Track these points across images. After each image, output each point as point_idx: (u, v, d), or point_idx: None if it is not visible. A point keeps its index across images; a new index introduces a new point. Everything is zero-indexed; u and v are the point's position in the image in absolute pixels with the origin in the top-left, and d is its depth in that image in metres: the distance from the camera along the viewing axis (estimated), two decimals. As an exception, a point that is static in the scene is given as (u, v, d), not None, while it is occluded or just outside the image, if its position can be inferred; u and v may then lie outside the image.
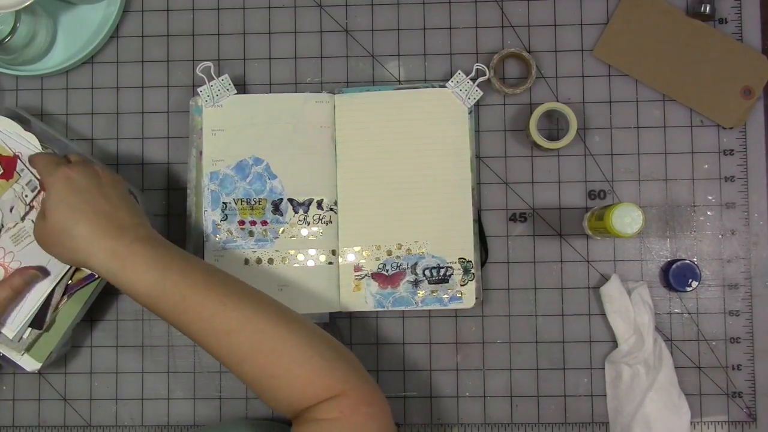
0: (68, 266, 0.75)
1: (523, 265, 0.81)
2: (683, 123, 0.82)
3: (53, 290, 0.74)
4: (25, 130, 0.77)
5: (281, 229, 0.80)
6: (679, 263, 0.79)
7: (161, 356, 0.82)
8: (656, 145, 0.82)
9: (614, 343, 0.80)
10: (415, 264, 0.79)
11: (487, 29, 0.83)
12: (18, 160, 0.74)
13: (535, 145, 0.80)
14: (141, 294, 0.63)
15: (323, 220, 0.80)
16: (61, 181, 0.66)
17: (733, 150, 0.81)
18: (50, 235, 0.65)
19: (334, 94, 0.81)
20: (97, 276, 0.76)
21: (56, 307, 0.75)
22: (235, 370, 0.63)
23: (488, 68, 0.81)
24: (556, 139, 0.79)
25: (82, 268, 0.75)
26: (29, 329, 0.74)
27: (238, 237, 0.79)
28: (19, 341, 0.74)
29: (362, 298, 0.79)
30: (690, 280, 0.78)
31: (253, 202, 0.80)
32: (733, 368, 0.80)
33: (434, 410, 0.81)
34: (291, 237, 0.79)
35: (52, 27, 0.83)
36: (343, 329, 0.82)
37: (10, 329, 0.73)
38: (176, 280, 0.62)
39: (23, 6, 0.72)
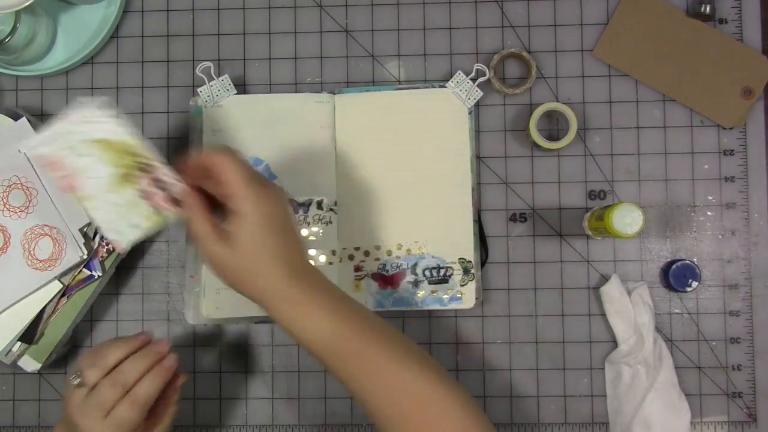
0: (62, 286, 0.76)
1: (523, 266, 0.81)
2: (683, 123, 0.82)
3: (46, 306, 0.75)
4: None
5: (281, 229, 0.79)
6: (679, 263, 0.79)
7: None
8: (656, 145, 0.82)
9: (614, 344, 0.80)
10: (415, 264, 0.79)
11: (487, 29, 0.83)
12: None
13: (535, 145, 0.80)
14: (317, 343, 0.59)
15: (323, 220, 0.80)
16: (265, 213, 0.58)
17: (733, 150, 0.81)
18: (238, 273, 0.59)
19: (334, 94, 0.81)
20: (96, 276, 0.76)
21: (48, 320, 0.75)
22: (388, 426, 0.60)
23: (488, 68, 0.81)
24: (556, 139, 0.79)
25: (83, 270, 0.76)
26: (18, 343, 0.75)
27: (238, 237, 0.79)
28: (6, 354, 0.74)
29: (362, 298, 0.79)
30: (690, 281, 0.78)
31: (253, 202, 0.80)
32: (733, 368, 0.80)
33: (434, 410, 0.81)
34: (291, 237, 0.79)
35: (52, 27, 0.83)
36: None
37: None
38: (352, 329, 0.60)
39: (23, 6, 0.72)
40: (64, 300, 0.76)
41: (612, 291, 0.79)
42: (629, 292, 0.79)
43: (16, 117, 0.77)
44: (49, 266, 0.74)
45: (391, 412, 0.59)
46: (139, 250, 0.81)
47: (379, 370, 0.59)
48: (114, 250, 0.77)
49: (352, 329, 0.60)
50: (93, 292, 0.77)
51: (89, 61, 0.84)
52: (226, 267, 0.59)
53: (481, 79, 0.80)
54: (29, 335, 0.75)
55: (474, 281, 0.79)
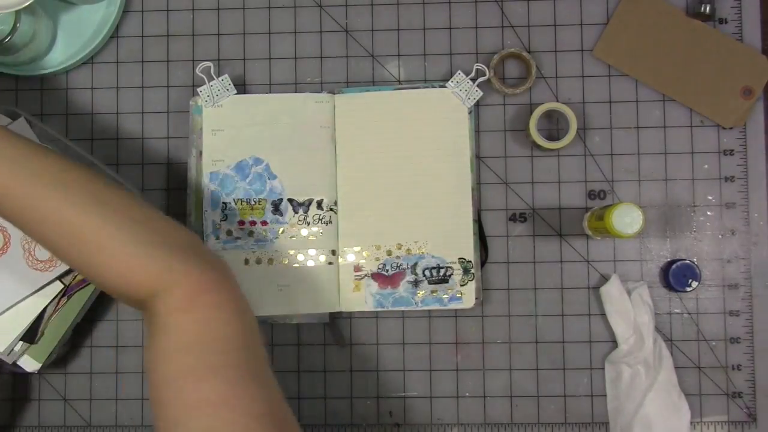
0: (63, 286, 0.75)
1: (523, 265, 0.81)
2: (683, 123, 0.82)
3: (47, 306, 0.75)
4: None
5: (281, 229, 0.80)
6: (679, 263, 0.79)
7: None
8: (656, 145, 0.82)
9: (614, 343, 0.80)
10: (415, 264, 0.79)
11: (487, 29, 0.83)
12: None
13: (535, 145, 0.80)
14: None
15: (323, 220, 0.80)
16: None
17: (733, 150, 0.81)
18: None
19: (334, 94, 0.81)
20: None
21: (48, 320, 0.75)
22: (61, 260, 0.59)
23: (488, 68, 0.81)
24: (556, 139, 0.79)
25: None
26: (20, 342, 0.75)
27: (238, 237, 0.79)
28: (8, 354, 0.75)
29: (362, 298, 0.79)
30: (690, 280, 0.78)
31: (253, 203, 0.80)
32: (733, 368, 0.80)
33: (434, 410, 0.81)
34: (291, 237, 0.79)
35: (52, 27, 0.83)
36: (343, 329, 0.82)
37: (1, 343, 0.73)
38: (23, 177, 0.57)
39: (23, 6, 0.72)
40: (64, 300, 0.76)
41: (612, 291, 0.79)
42: (629, 292, 0.79)
43: (15, 117, 0.77)
44: (50, 267, 0.74)
45: (51, 248, 0.58)
46: (139, 250, 0.81)
47: (26, 207, 0.57)
48: None
49: (24, 172, 0.57)
50: (93, 292, 0.77)
51: (89, 61, 0.84)
52: None
53: (481, 79, 0.80)
54: (31, 335, 0.75)
55: (474, 281, 0.79)
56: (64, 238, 0.57)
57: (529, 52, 0.82)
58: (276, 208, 0.80)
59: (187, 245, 0.58)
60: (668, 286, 0.80)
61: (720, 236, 0.81)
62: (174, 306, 0.54)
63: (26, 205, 0.57)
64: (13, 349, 0.75)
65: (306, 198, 0.80)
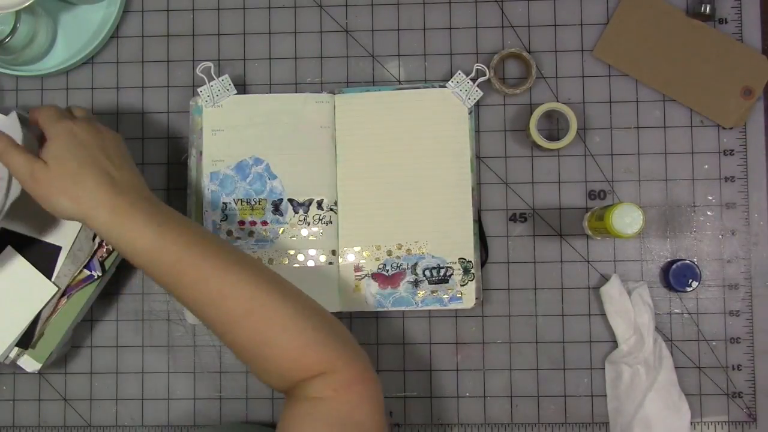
0: (57, 289, 0.75)
1: (523, 265, 0.81)
2: (683, 123, 0.82)
3: (41, 310, 0.75)
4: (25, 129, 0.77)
5: (281, 229, 0.80)
6: (679, 263, 0.79)
7: (161, 356, 0.82)
8: (656, 145, 0.82)
9: (614, 343, 0.80)
10: (415, 264, 0.79)
11: (487, 29, 0.83)
12: None
13: (535, 145, 0.80)
14: (138, 252, 0.62)
15: (323, 220, 0.79)
16: (66, 133, 0.64)
17: (733, 150, 0.81)
18: (54, 183, 0.62)
19: (334, 94, 0.81)
20: (96, 276, 0.76)
21: (45, 321, 0.75)
22: (227, 338, 0.62)
23: (488, 68, 0.81)
24: (556, 139, 0.79)
25: (82, 273, 0.76)
26: (16, 348, 0.75)
27: (238, 237, 0.79)
28: (5, 359, 0.75)
29: (362, 298, 0.79)
30: (690, 280, 0.78)
31: (253, 203, 0.80)
32: (733, 368, 0.80)
33: (434, 410, 0.81)
34: (291, 237, 0.79)
35: (52, 27, 0.83)
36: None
37: None
38: (174, 239, 0.62)
39: (23, 6, 0.72)
40: (63, 300, 0.76)
41: (612, 291, 0.79)
42: (629, 292, 0.79)
43: (6, 113, 0.77)
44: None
45: (220, 319, 0.61)
46: (139, 250, 0.81)
47: (205, 279, 0.61)
48: (113, 249, 0.77)
49: (174, 239, 0.62)
50: (93, 292, 0.77)
51: (89, 61, 0.84)
52: (42, 183, 0.63)
53: (481, 79, 0.80)
54: (26, 340, 0.75)
55: (474, 281, 0.79)
56: (244, 312, 0.61)
57: (529, 52, 0.82)
58: (276, 208, 0.80)
59: (347, 336, 0.63)
60: (668, 286, 0.80)
61: (720, 236, 0.81)
62: (332, 386, 0.59)
63: (209, 278, 0.61)
64: (8, 356, 0.75)
65: (306, 198, 0.80)
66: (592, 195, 0.82)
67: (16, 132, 0.68)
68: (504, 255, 0.82)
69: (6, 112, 0.76)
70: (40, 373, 0.80)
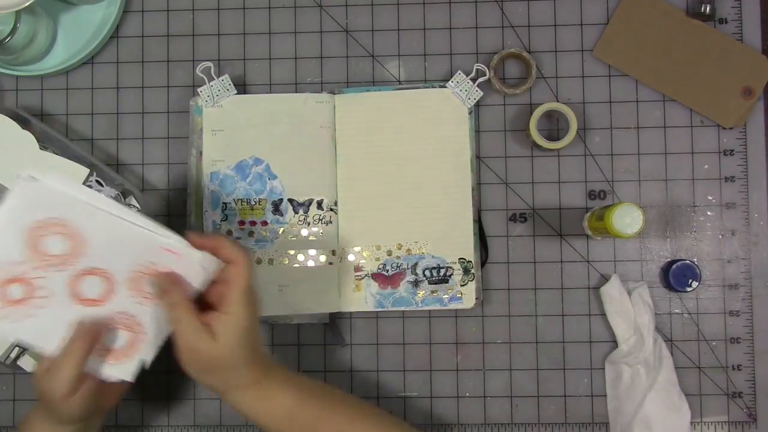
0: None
1: (523, 265, 0.81)
2: (683, 123, 0.82)
3: None
4: (25, 129, 0.77)
5: (281, 229, 0.80)
6: (679, 263, 0.79)
7: (161, 357, 0.82)
8: (656, 145, 0.82)
9: (614, 344, 0.80)
10: (415, 264, 0.79)
11: (487, 29, 0.83)
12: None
13: (535, 145, 0.80)
14: (275, 418, 0.63)
15: (323, 220, 0.79)
16: (250, 321, 0.61)
17: (733, 150, 0.81)
18: (211, 362, 0.61)
19: (334, 94, 0.81)
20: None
21: None
22: None
23: (488, 68, 0.81)
24: (556, 139, 0.79)
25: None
26: (16, 348, 0.75)
27: (238, 237, 0.79)
28: (5, 359, 0.75)
29: (362, 298, 0.79)
30: (690, 280, 0.78)
31: (253, 203, 0.80)
32: (733, 368, 0.80)
33: (434, 410, 0.81)
34: (291, 237, 0.79)
35: (52, 27, 0.83)
36: (343, 329, 0.82)
37: None
38: (310, 404, 0.64)
39: (23, 6, 0.72)
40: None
41: (612, 291, 0.79)
42: (629, 292, 0.79)
43: (16, 117, 0.77)
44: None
45: None
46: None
47: (342, 430, 0.65)
48: None
49: (310, 398, 0.65)
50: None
51: (89, 61, 0.84)
52: (201, 358, 0.61)
53: (481, 79, 0.80)
54: None
55: (474, 281, 0.79)
56: None
57: (529, 52, 0.82)
58: (276, 208, 0.80)
59: None
60: (668, 286, 0.80)
61: (720, 236, 0.81)
62: None
63: (318, 422, 0.64)
64: (9, 356, 0.75)
65: (306, 198, 0.80)
66: (592, 195, 0.82)
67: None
68: (504, 255, 0.82)
69: (14, 116, 0.76)
70: (40, 373, 0.80)
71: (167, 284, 0.61)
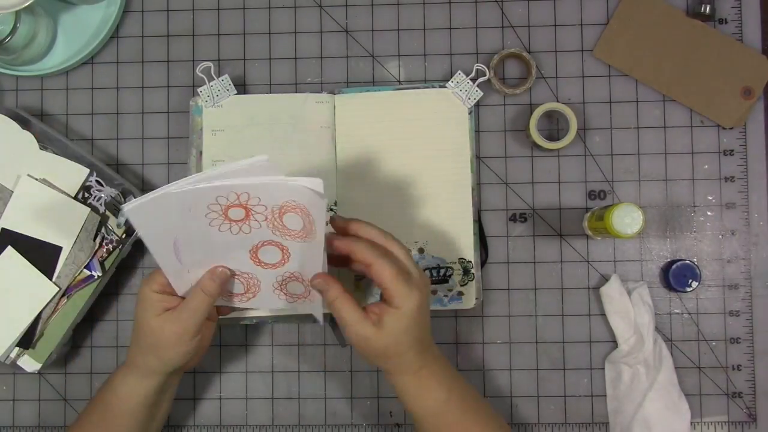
0: (58, 289, 0.75)
1: (523, 266, 0.81)
2: (683, 123, 0.82)
3: (42, 311, 0.75)
4: (25, 129, 0.77)
5: (281, 229, 0.79)
6: (679, 263, 0.79)
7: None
8: (656, 145, 0.82)
9: (614, 344, 0.80)
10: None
11: (487, 29, 0.83)
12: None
13: (535, 146, 0.80)
14: (427, 410, 0.66)
15: (323, 220, 0.79)
16: (417, 312, 0.63)
17: (733, 150, 0.81)
18: (381, 352, 0.64)
19: (334, 94, 0.81)
20: (96, 276, 0.76)
21: (46, 321, 0.75)
22: None
23: (488, 68, 0.81)
24: (556, 139, 0.79)
25: (83, 270, 0.76)
26: (16, 348, 0.75)
27: (238, 237, 0.79)
28: (6, 359, 0.75)
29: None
30: (690, 281, 0.78)
31: (253, 203, 0.80)
32: (733, 368, 0.80)
33: (434, 410, 0.81)
34: (291, 237, 0.79)
35: (52, 27, 0.83)
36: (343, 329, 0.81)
37: None
38: (457, 402, 0.67)
39: (23, 6, 0.72)
40: (64, 300, 0.76)
41: (612, 291, 0.79)
42: (629, 292, 0.79)
43: (16, 117, 0.77)
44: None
45: None
46: (138, 250, 0.81)
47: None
48: (113, 249, 0.77)
49: (456, 400, 0.67)
50: (93, 292, 0.77)
51: (89, 61, 0.84)
52: (371, 347, 0.64)
53: (481, 79, 0.80)
54: (27, 340, 0.75)
55: (474, 281, 0.79)
56: None
57: (529, 52, 0.82)
58: (276, 208, 0.79)
59: None
60: (668, 286, 0.80)
61: (720, 236, 0.81)
62: None
63: (456, 426, 0.67)
64: (9, 356, 0.75)
65: (306, 198, 0.80)
66: (592, 195, 0.82)
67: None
68: (504, 255, 0.82)
69: (14, 116, 0.76)
70: (40, 373, 0.80)
71: (322, 284, 0.65)
